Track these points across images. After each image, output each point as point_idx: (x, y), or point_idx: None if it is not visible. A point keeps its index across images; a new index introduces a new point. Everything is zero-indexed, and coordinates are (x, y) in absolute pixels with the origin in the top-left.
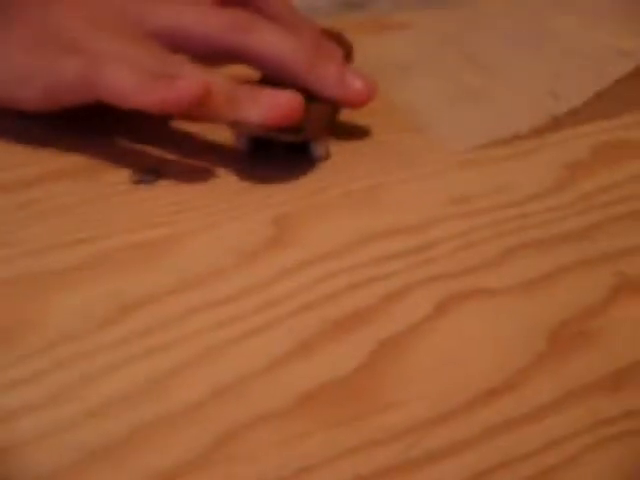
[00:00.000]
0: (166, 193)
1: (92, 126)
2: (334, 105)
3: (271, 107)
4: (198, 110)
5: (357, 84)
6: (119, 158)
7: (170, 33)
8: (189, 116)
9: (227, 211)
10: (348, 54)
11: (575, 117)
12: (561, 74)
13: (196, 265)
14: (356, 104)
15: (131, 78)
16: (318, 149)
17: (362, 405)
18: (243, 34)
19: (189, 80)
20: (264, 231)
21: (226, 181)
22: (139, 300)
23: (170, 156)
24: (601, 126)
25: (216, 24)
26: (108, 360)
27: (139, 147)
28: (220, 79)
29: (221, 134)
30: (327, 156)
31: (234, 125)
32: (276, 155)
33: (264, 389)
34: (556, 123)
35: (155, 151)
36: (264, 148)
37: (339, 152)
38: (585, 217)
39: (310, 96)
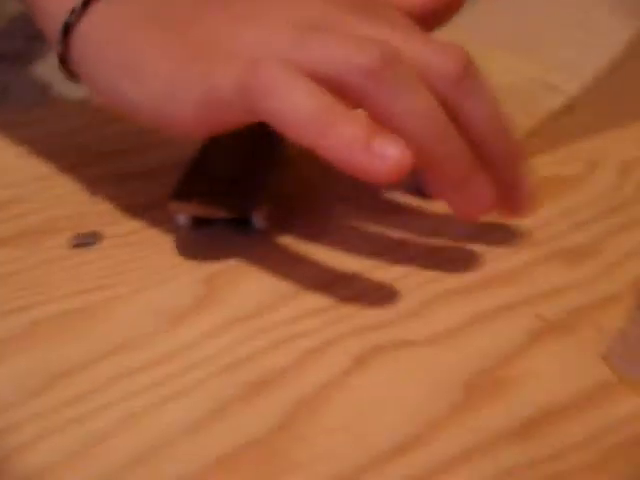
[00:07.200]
0: (102, 257)
1: (33, 189)
2: (274, 172)
3: (476, 204)
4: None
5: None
6: (60, 222)
7: None
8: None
9: (160, 273)
10: None
11: None
12: None
13: (124, 330)
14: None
15: (309, 104)
16: (260, 220)
17: (271, 467)
18: None
19: (397, 147)
20: (194, 293)
21: (162, 242)
22: (66, 369)
23: (109, 218)
24: (538, 162)
25: None
26: (36, 430)
27: (80, 210)
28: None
29: (159, 191)
30: (268, 225)
31: (172, 206)
32: (216, 227)
33: (181, 453)
34: None
35: (94, 213)
36: (204, 223)
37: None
38: (515, 259)
39: (253, 164)
